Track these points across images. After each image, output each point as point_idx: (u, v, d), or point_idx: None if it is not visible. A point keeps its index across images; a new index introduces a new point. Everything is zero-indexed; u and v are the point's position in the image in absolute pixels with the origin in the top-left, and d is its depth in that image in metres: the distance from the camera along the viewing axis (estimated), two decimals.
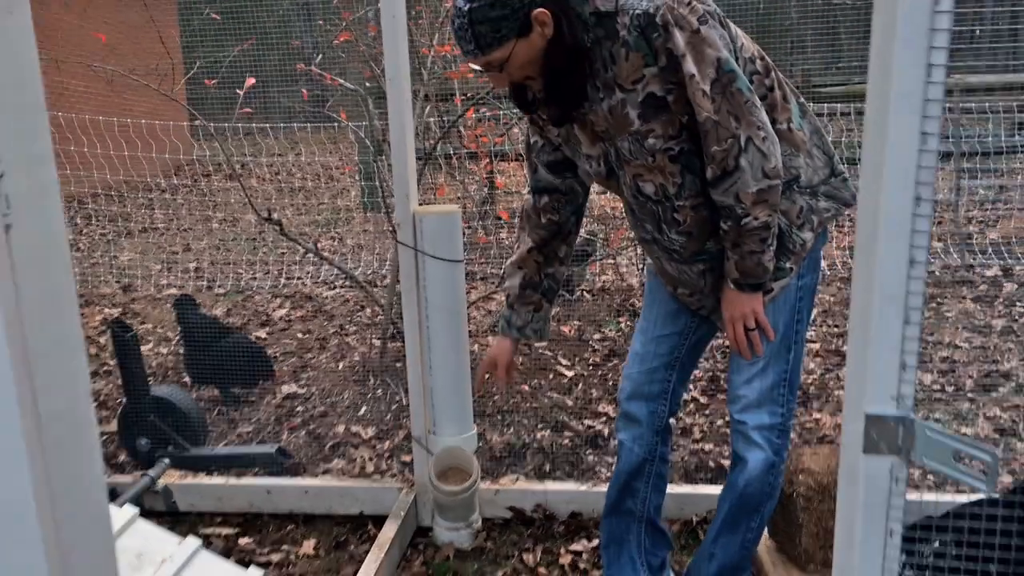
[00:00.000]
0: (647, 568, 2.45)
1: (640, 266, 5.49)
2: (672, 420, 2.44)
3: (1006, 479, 3.05)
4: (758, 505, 2.21)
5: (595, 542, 2.77)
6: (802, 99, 2.13)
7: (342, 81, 4.75)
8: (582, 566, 2.74)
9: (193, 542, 2.39)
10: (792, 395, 2.15)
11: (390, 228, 3.55)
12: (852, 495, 1.01)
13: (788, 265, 2.05)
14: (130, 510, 2.37)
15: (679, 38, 1.83)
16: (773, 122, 1.98)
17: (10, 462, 1.01)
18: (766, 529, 2.61)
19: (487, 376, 2.50)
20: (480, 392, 2.54)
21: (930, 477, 3.10)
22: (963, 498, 2.35)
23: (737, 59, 1.91)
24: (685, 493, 2.98)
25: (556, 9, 1.88)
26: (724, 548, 2.28)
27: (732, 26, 1.98)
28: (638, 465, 2.36)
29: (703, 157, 1.94)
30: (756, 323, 2.06)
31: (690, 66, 1.84)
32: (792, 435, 2.26)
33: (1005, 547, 1.72)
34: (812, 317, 2.23)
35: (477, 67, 1.98)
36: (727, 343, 2.19)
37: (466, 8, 1.85)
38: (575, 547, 2.84)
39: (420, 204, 2.84)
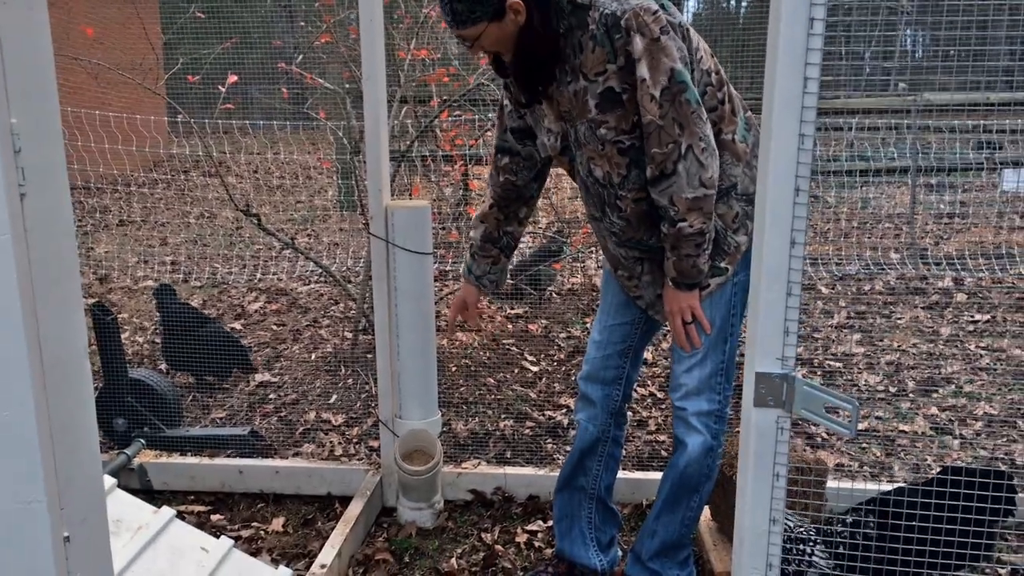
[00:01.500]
0: (596, 544, 2.61)
1: None
2: (627, 407, 2.62)
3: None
4: (697, 485, 2.39)
5: (550, 523, 2.93)
6: (749, 113, 2.31)
7: (322, 81, 4.90)
8: (537, 544, 2.91)
9: (168, 511, 2.53)
10: (728, 383, 2.33)
11: (364, 223, 3.71)
12: (746, 444, 1.18)
13: (723, 264, 2.23)
14: (109, 480, 2.50)
15: (638, 43, 2.00)
16: (719, 132, 2.15)
17: (19, 400, 1.16)
18: (708, 511, 2.80)
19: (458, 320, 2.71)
20: (453, 330, 2.76)
21: (866, 468, 3.29)
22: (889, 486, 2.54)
23: (694, 71, 2.08)
24: (638, 479, 3.15)
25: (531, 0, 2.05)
26: (666, 526, 2.45)
27: (695, 39, 2.14)
28: (591, 443, 2.53)
29: None
30: (693, 317, 2.24)
31: (644, 70, 2.01)
32: (731, 421, 2.43)
33: (921, 529, 1.91)
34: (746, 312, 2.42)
35: (453, 34, 2.16)
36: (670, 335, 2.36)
37: None
38: (531, 527, 3.01)
39: (394, 200, 3.00)
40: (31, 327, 1.17)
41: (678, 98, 2.02)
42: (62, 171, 1.27)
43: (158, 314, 4.39)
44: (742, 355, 1.33)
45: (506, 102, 2.42)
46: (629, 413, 3.82)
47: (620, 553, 2.73)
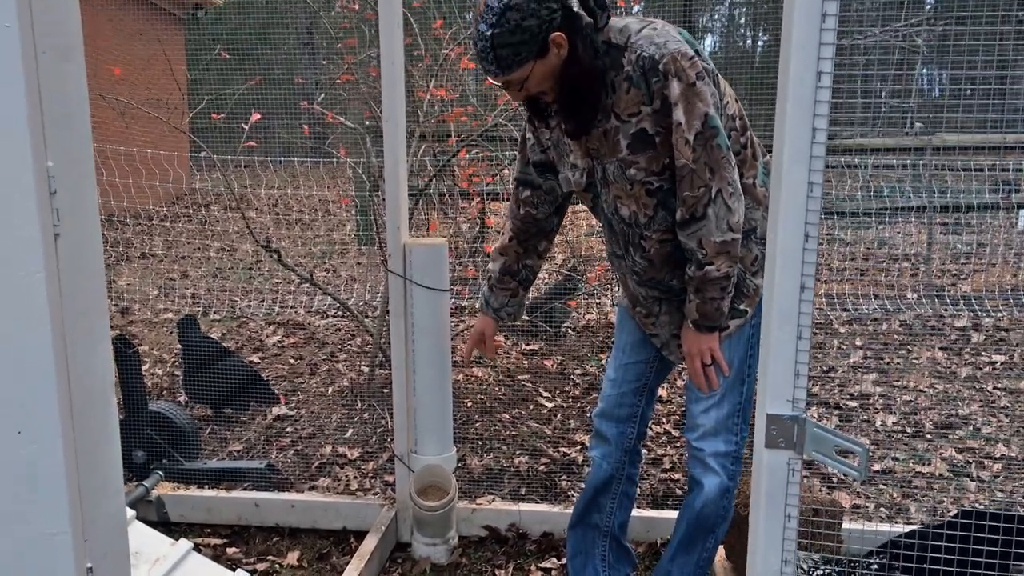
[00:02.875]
0: None
1: None
2: (641, 445, 2.63)
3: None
4: (713, 526, 2.38)
5: (564, 560, 2.93)
6: (768, 157, 2.34)
7: (343, 119, 4.98)
8: None
9: (185, 544, 2.56)
10: (745, 425, 2.33)
11: (382, 259, 3.75)
12: (758, 485, 1.19)
13: (743, 307, 2.25)
14: (127, 511, 2.53)
15: (676, 87, 2.02)
16: (740, 176, 2.17)
17: (47, 433, 1.20)
18: (723, 551, 2.79)
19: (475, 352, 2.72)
20: (468, 363, 2.76)
21: (882, 509, 3.27)
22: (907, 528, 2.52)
23: (721, 115, 2.11)
24: (652, 517, 3.14)
25: (571, 32, 2.06)
26: (681, 568, 2.45)
27: (724, 85, 2.17)
28: (605, 480, 2.54)
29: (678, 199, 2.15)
30: (712, 359, 2.25)
31: (680, 115, 2.03)
32: (747, 460, 2.44)
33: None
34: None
35: (497, 83, 2.15)
36: (686, 374, 2.38)
37: (488, 33, 2.01)
38: (545, 565, 3.00)
39: (412, 238, 3.05)
40: (61, 362, 1.21)
41: (710, 143, 2.04)
42: (94, 211, 1.31)
43: (179, 346, 4.44)
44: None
45: (529, 135, 2.43)
46: (644, 451, 3.83)
47: None
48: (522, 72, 2.07)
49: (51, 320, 1.19)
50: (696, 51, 2.07)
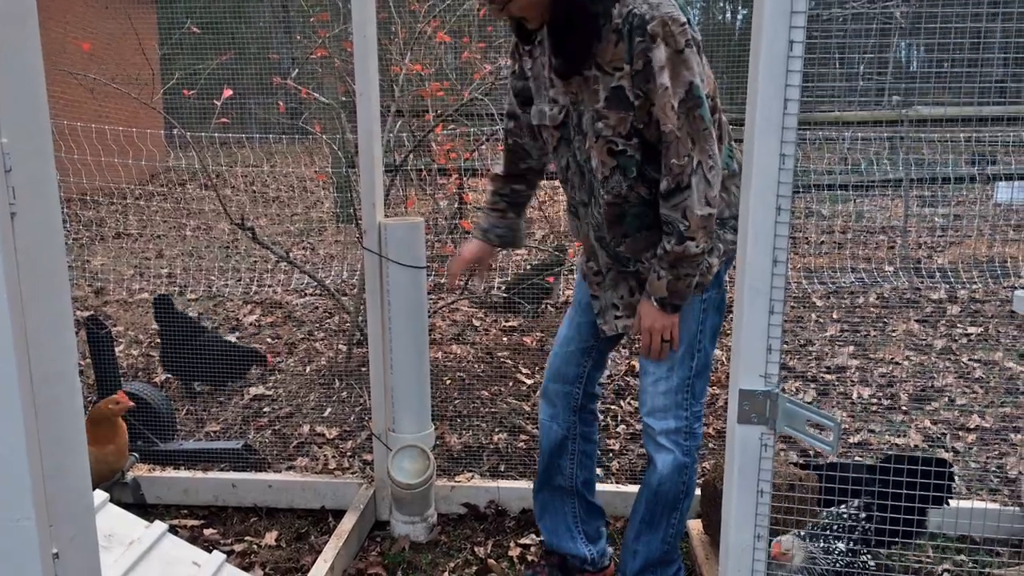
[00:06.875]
0: (584, 536, 2.63)
1: None
2: (593, 405, 2.64)
3: None
4: (674, 503, 2.39)
5: (543, 537, 2.93)
6: (733, 140, 2.33)
7: (317, 95, 4.92)
8: (530, 558, 2.91)
9: (160, 526, 2.53)
10: (695, 399, 2.34)
11: (358, 236, 3.72)
12: (731, 460, 1.19)
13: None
14: (100, 494, 2.50)
15: (662, 52, 1.99)
16: None
17: (8, 417, 1.17)
18: (700, 524, 2.81)
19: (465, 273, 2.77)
20: (453, 285, 2.74)
21: None
22: None
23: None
24: (631, 492, 3.14)
25: None
26: (646, 545, 2.46)
27: (705, 62, 2.14)
28: (559, 443, 2.56)
29: (640, 171, 2.13)
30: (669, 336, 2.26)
31: (665, 79, 2.00)
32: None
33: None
34: (720, 331, 2.47)
35: None
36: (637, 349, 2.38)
37: None
38: (524, 541, 3.01)
39: (390, 216, 3.02)
40: (20, 345, 1.18)
41: (693, 112, 2.02)
42: (53, 189, 1.27)
43: (156, 325, 4.39)
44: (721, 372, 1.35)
45: (512, 62, 2.42)
46: (623, 427, 3.84)
47: (611, 549, 2.74)
48: None
49: (9, 301, 1.15)
50: (688, 20, 2.03)
